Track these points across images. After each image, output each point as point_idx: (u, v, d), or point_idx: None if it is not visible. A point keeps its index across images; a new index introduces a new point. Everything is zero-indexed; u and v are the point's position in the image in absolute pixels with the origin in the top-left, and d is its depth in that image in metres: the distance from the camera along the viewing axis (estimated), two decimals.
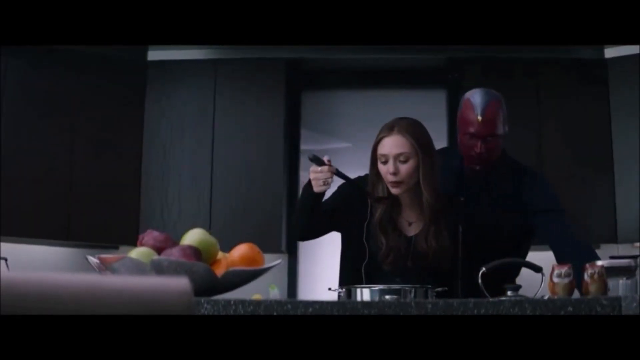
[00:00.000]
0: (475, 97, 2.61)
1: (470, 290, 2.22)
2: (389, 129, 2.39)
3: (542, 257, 2.37)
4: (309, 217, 2.41)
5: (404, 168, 2.37)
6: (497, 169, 2.67)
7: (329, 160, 2.32)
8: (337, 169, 2.33)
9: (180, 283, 1.06)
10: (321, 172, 2.30)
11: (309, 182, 2.34)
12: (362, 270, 2.40)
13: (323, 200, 2.42)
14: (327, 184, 2.31)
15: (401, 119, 2.43)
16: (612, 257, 3.98)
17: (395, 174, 2.36)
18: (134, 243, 4.56)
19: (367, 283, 2.34)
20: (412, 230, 2.44)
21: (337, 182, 2.42)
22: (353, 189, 2.44)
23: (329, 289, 2.30)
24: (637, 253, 3.90)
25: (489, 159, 2.62)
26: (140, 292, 1.03)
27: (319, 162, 2.30)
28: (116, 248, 4.57)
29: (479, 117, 2.56)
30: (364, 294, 2.14)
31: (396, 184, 2.38)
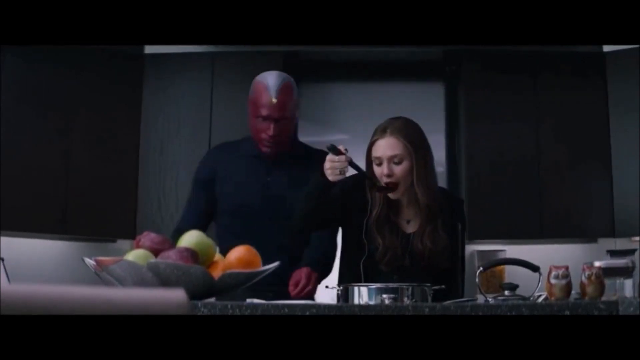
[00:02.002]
0: (268, 79, 2.64)
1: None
2: (382, 131, 2.39)
3: (541, 257, 2.37)
4: (316, 206, 2.39)
5: (398, 169, 2.37)
6: (291, 152, 2.73)
7: (345, 150, 2.31)
8: (351, 159, 2.32)
9: (177, 295, 1.06)
10: (339, 161, 2.29)
11: (321, 172, 2.32)
12: (361, 267, 2.40)
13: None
14: (343, 173, 2.31)
15: (394, 119, 2.43)
16: (609, 252, 3.99)
17: (389, 175, 2.37)
18: (131, 237, 4.52)
19: (365, 280, 2.34)
20: (411, 228, 2.44)
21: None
22: (357, 182, 2.43)
23: (326, 287, 2.30)
24: (635, 247, 3.90)
25: (280, 142, 2.65)
26: (137, 304, 1.03)
27: (336, 151, 2.29)
28: (113, 242, 4.57)
29: (274, 99, 2.59)
30: (362, 292, 2.14)
31: (391, 185, 2.38)
